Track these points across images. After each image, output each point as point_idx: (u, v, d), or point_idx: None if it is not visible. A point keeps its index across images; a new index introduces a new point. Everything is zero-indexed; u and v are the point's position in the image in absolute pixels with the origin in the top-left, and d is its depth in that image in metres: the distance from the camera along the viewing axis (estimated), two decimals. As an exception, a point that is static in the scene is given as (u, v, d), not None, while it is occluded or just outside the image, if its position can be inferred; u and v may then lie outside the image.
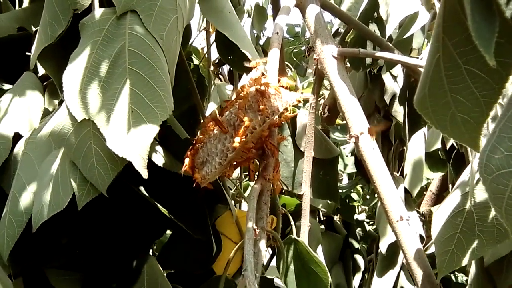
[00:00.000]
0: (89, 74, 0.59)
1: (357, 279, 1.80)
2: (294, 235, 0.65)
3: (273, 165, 0.60)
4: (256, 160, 0.61)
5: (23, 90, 0.78)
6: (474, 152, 0.57)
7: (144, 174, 0.55)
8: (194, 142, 0.58)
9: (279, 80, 0.61)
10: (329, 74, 0.74)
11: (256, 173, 0.60)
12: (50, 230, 0.66)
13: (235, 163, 0.58)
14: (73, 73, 0.60)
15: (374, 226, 2.04)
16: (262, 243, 0.53)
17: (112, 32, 0.60)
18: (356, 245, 1.79)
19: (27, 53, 0.96)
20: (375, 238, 1.93)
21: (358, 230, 1.90)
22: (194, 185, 0.68)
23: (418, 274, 0.63)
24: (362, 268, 1.80)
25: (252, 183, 0.62)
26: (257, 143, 0.57)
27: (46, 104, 0.83)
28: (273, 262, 1.21)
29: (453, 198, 0.69)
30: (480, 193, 0.64)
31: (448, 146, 0.51)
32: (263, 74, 0.64)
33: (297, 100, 0.60)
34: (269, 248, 1.19)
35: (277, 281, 0.71)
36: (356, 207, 2.21)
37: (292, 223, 0.78)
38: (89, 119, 0.58)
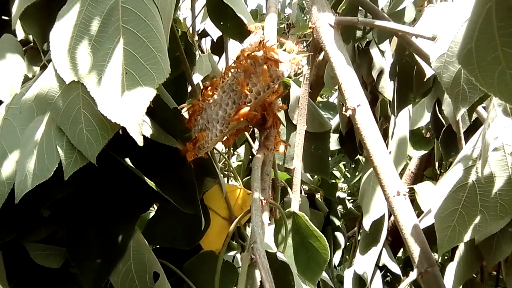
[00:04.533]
0: (78, 33, 0.55)
1: (337, 256, 1.80)
2: (295, 208, 0.62)
3: (274, 134, 0.57)
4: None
5: (2, 53, 0.73)
6: (488, 124, 0.55)
7: (140, 141, 0.52)
8: (192, 109, 0.54)
9: (282, 44, 0.57)
10: (325, 43, 0.71)
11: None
12: (31, 201, 0.62)
13: (235, 130, 0.55)
14: (61, 32, 0.55)
15: (356, 204, 2.04)
16: (265, 215, 0.50)
17: (104, -13, 0.56)
18: (337, 222, 1.79)
19: (4, 17, 0.90)
20: (356, 216, 1.94)
21: (339, 207, 1.90)
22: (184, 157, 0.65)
23: (415, 250, 0.61)
24: (343, 246, 1.81)
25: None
26: (259, 110, 0.54)
27: (25, 71, 0.79)
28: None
29: (455, 172, 0.67)
30: (484, 168, 0.63)
31: (458, 116, 0.49)
32: (261, 40, 0.61)
33: (298, 64, 0.57)
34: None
35: (280, 255, 0.69)
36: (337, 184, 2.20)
37: (291, 195, 0.75)
38: (78, 81, 0.54)
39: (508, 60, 0.30)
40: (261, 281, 0.44)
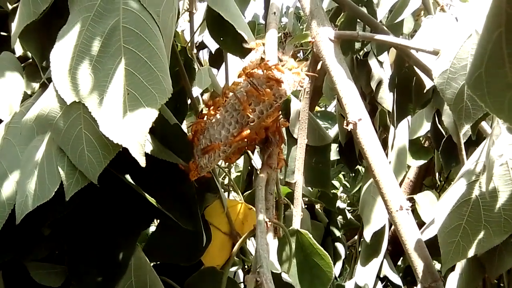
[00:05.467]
0: (79, 53, 0.54)
1: (337, 267, 1.79)
2: (296, 226, 0.62)
3: (277, 153, 0.56)
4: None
5: (1, 71, 0.72)
6: (492, 141, 0.55)
7: (142, 162, 0.51)
8: (195, 128, 0.54)
9: (285, 63, 0.57)
10: (325, 57, 0.71)
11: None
12: (31, 221, 0.62)
13: (237, 149, 0.54)
14: (62, 52, 0.55)
15: (355, 214, 2.03)
16: (270, 236, 0.50)
17: (104, 7, 0.55)
18: (337, 233, 1.78)
19: (2, 33, 0.90)
20: (356, 226, 1.93)
21: (339, 218, 1.89)
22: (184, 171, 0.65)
23: (419, 265, 0.61)
24: (343, 256, 1.80)
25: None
26: (262, 130, 0.53)
27: (24, 88, 0.78)
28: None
29: (458, 187, 0.67)
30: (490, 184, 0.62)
31: (462, 132, 0.49)
32: (263, 58, 0.61)
33: (301, 82, 0.57)
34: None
35: (284, 276, 0.68)
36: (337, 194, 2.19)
37: (294, 212, 0.74)
38: (80, 101, 0.54)
39: (519, 86, 0.30)
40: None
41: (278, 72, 0.53)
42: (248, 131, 0.49)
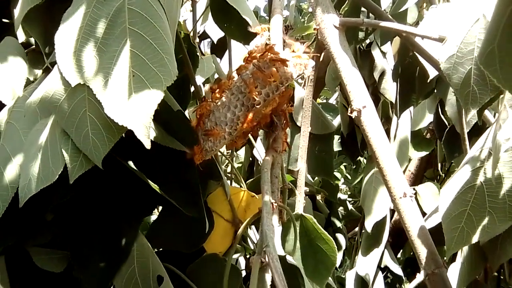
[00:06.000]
0: (84, 35, 0.54)
1: (338, 258, 1.79)
2: (300, 211, 0.62)
3: (282, 136, 0.56)
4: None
5: (4, 56, 0.72)
6: (499, 125, 0.55)
7: (147, 144, 0.51)
8: (200, 112, 0.53)
9: (289, 45, 0.57)
10: (330, 45, 0.71)
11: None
12: (34, 205, 0.61)
13: (243, 132, 0.54)
14: (66, 34, 0.54)
15: (357, 205, 2.04)
16: (275, 218, 0.50)
17: (109, -12, 0.55)
18: (338, 224, 1.79)
19: (4, 20, 0.90)
20: (357, 217, 1.93)
21: (340, 209, 1.90)
22: (187, 158, 0.65)
23: (422, 252, 0.61)
24: (344, 247, 1.80)
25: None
26: (268, 112, 0.53)
27: (27, 74, 0.78)
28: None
29: (462, 174, 0.67)
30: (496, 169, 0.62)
31: (467, 119, 0.48)
32: (268, 42, 0.60)
33: (306, 65, 0.57)
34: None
35: (289, 258, 0.68)
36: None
37: (298, 198, 0.74)
38: (84, 83, 0.53)
39: (532, 60, 0.30)
40: (271, 285, 0.43)
41: (283, 53, 0.52)
42: (252, 114, 0.48)
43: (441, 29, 0.66)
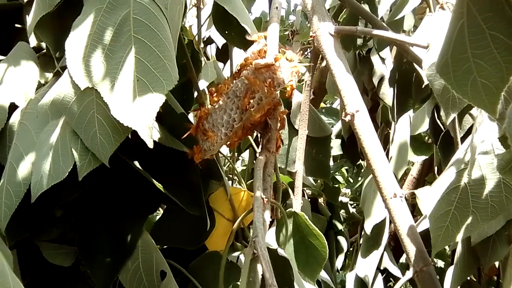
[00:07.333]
0: (92, 42, 0.58)
1: (339, 260, 1.82)
2: (294, 208, 0.65)
3: (275, 138, 0.60)
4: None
5: (17, 60, 0.76)
6: (475, 128, 0.58)
7: (150, 144, 0.55)
8: (199, 114, 0.57)
9: (283, 53, 0.61)
10: (325, 51, 0.74)
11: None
12: (44, 202, 0.65)
13: (240, 133, 0.58)
14: (76, 41, 0.59)
15: (358, 208, 2.06)
16: (267, 214, 0.53)
17: (116, -1, 0.59)
18: (340, 226, 1.81)
19: (17, 25, 0.94)
20: (358, 220, 1.96)
21: (342, 212, 1.92)
22: (190, 159, 0.68)
23: (411, 250, 0.64)
24: (345, 250, 1.82)
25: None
26: (262, 115, 0.57)
27: (39, 77, 0.82)
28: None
29: (448, 175, 0.70)
30: (476, 170, 0.65)
31: (448, 122, 0.52)
32: (264, 49, 0.64)
33: (298, 72, 0.60)
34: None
35: (280, 251, 0.72)
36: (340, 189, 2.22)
37: (292, 196, 0.78)
38: (93, 87, 0.58)
39: (479, 70, 0.33)
40: (262, 273, 0.47)
41: (270, 59, 0.56)
42: (245, 117, 0.52)
43: (432, 37, 0.69)
